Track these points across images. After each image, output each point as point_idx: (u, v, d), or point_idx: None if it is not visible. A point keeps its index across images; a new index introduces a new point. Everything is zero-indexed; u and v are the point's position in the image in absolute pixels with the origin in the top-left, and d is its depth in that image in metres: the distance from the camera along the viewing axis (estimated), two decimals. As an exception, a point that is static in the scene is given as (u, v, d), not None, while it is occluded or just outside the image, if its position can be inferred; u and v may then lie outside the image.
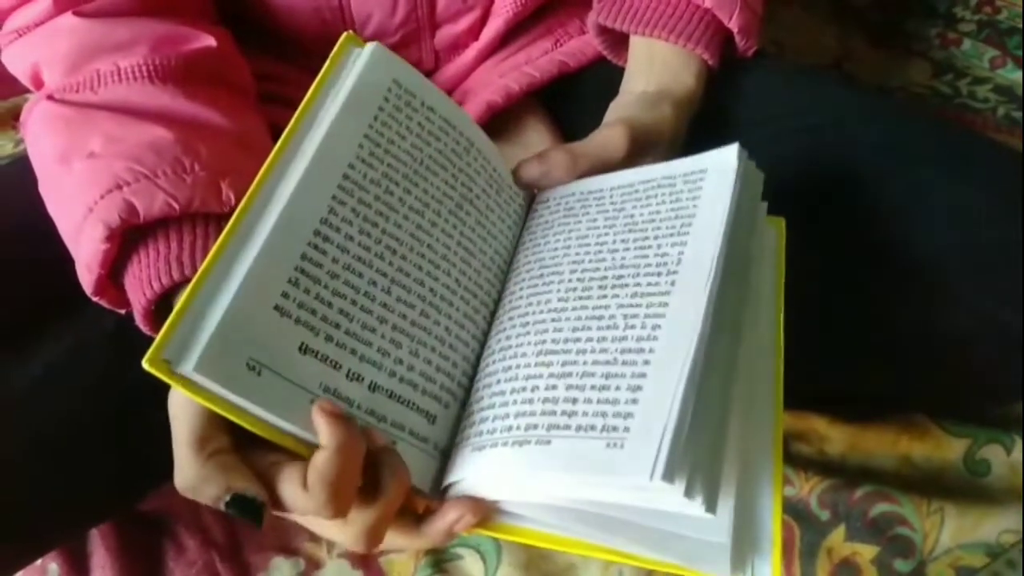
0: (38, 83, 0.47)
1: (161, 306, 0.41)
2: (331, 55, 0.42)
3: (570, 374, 0.36)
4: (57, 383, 0.46)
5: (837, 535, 0.57)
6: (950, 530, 0.56)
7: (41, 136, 0.44)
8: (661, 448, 0.31)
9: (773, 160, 0.44)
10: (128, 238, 0.41)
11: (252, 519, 0.34)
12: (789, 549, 0.57)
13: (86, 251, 0.41)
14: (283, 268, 0.36)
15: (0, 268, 0.47)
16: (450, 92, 0.58)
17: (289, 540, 0.60)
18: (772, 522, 0.36)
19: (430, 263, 0.40)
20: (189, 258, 0.40)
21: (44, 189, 0.44)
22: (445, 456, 0.38)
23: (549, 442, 0.34)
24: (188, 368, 0.32)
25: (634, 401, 0.34)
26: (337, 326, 0.36)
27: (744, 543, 0.35)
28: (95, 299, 0.43)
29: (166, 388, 0.34)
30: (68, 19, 0.45)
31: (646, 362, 0.35)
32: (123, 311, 0.43)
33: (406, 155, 0.41)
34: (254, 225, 0.36)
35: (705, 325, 0.35)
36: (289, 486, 0.34)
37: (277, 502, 0.35)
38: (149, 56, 0.45)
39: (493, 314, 0.43)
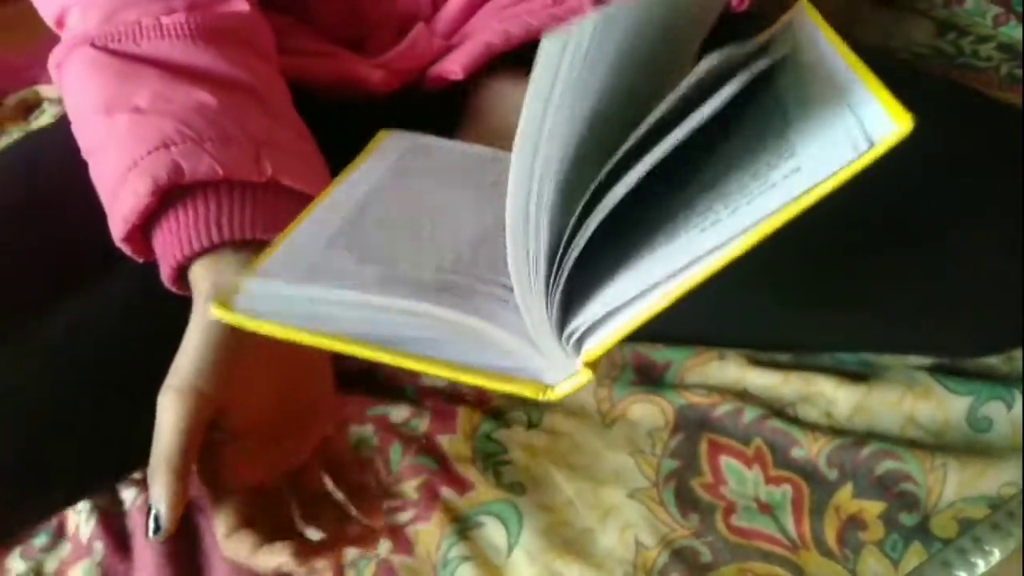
0: (60, 25, 0.48)
1: (183, 268, 0.42)
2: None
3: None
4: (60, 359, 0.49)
5: (844, 493, 0.59)
6: (953, 484, 0.58)
7: (83, 81, 0.45)
8: None
9: None
10: (165, 196, 0.42)
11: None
12: (798, 508, 0.59)
13: (125, 202, 0.42)
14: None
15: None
16: (449, 35, 0.59)
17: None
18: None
19: None
20: (227, 222, 0.42)
21: (79, 134, 0.45)
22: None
23: None
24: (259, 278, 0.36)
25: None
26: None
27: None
28: (120, 244, 0.44)
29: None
30: None
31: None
32: (142, 260, 0.45)
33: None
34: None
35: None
36: None
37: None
38: (189, 14, 0.46)
39: None
